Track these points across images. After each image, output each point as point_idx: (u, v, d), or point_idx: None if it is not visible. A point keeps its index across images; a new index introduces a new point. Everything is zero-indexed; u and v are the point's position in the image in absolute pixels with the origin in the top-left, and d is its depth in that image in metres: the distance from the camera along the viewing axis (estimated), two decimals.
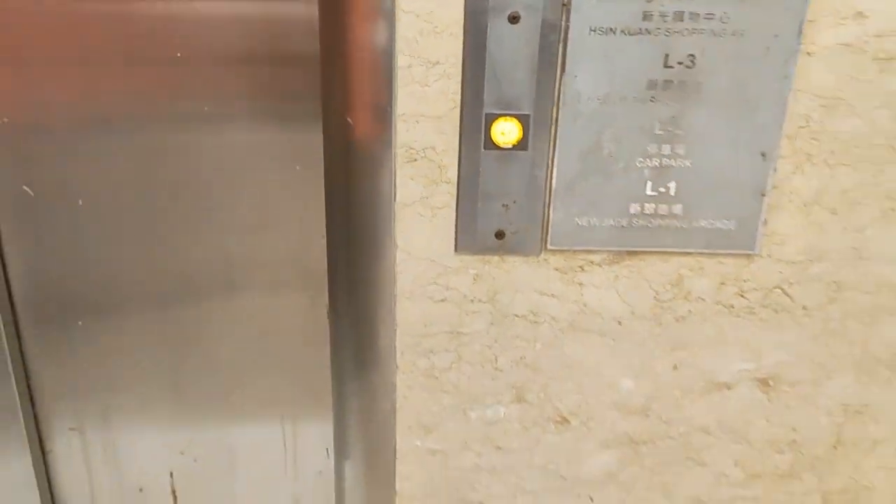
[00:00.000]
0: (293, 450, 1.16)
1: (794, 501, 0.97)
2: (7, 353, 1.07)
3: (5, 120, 0.96)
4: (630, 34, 0.74)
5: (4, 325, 1.06)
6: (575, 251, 0.85)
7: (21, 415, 1.12)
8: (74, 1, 0.90)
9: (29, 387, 1.12)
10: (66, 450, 1.17)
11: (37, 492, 1.17)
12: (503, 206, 0.81)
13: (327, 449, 1.16)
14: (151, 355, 1.10)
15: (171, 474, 1.20)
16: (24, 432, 1.14)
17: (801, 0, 0.72)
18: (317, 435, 1.12)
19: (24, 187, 1.01)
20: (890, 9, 0.74)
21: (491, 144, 0.79)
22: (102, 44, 0.93)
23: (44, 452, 1.18)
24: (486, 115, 0.78)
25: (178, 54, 0.92)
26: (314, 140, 0.93)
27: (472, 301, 0.87)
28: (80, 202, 1.01)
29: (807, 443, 0.94)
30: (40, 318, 1.08)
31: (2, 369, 1.09)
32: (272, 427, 1.14)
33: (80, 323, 1.08)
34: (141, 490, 1.20)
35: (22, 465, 1.16)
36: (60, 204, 1.00)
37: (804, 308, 0.87)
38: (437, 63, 0.76)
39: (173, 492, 1.21)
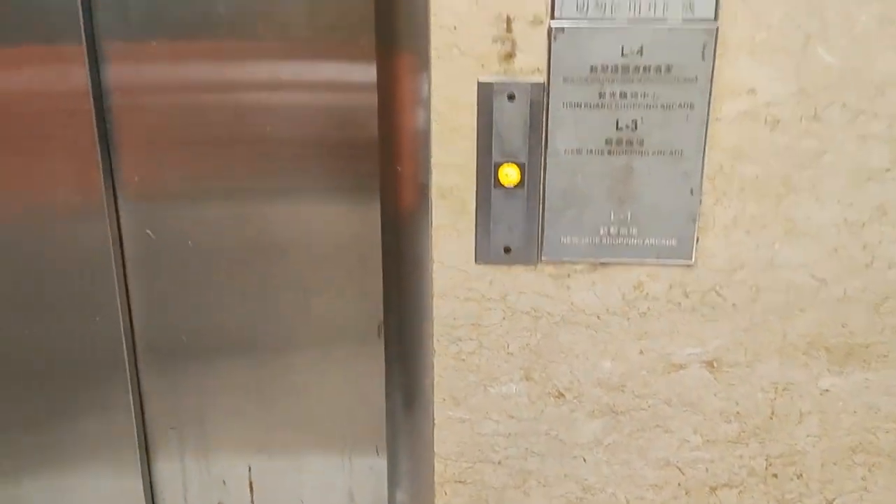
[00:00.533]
0: (350, 452, 1.38)
1: (743, 463, 1.20)
2: (126, 368, 1.30)
3: (136, 179, 1.26)
4: (591, 107, 1.04)
5: (126, 350, 1.29)
6: (563, 262, 1.12)
7: (133, 414, 1.32)
8: (187, 95, 1.21)
9: (140, 391, 1.33)
10: (165, 446, 1.38)
11: (140, 479, 1.37)
12: (509, 228, 1.11)
13: (377, 447, 1.41)
14: (238, 372, 1.32)
15: (249, 468, 1.39)
16: (134, 430, 1.33)
17: (707, 82, 1.01)
18: (368, 439, 1.36)
19: (147, 231, 1.31)
20: (773, 86, 1.01)
21: (498, 184, 1.09)
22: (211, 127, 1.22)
23: (147, 448, 1.37)
24: (495, 163, 1.07)
25: (268, 129, 1.22)
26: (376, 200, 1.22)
27: (488, 300, 1.14)
28: (190, 242, 1.29)
29: (748, 414, 1.17)
30: (150, 339, 1.31)
31: (121, 380, 1.31)
32: (332, 432, 1.36)
33: (183, 338, 1.33)
34: (224, 483, 1.40)
35: (130, 457, 1.35)
36: (171, 249, 1.26)
37: (734, 305, 1.12)
38: (460, 128, 1.06)
39: (250, 483, 1.39)
